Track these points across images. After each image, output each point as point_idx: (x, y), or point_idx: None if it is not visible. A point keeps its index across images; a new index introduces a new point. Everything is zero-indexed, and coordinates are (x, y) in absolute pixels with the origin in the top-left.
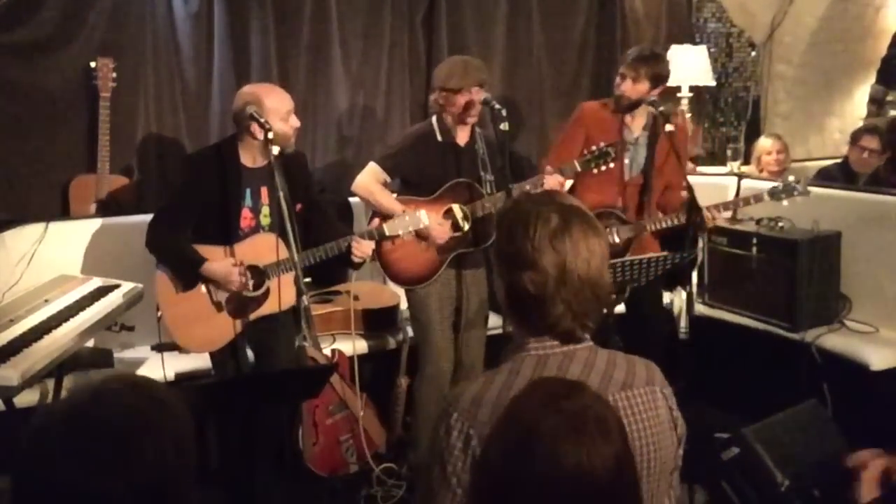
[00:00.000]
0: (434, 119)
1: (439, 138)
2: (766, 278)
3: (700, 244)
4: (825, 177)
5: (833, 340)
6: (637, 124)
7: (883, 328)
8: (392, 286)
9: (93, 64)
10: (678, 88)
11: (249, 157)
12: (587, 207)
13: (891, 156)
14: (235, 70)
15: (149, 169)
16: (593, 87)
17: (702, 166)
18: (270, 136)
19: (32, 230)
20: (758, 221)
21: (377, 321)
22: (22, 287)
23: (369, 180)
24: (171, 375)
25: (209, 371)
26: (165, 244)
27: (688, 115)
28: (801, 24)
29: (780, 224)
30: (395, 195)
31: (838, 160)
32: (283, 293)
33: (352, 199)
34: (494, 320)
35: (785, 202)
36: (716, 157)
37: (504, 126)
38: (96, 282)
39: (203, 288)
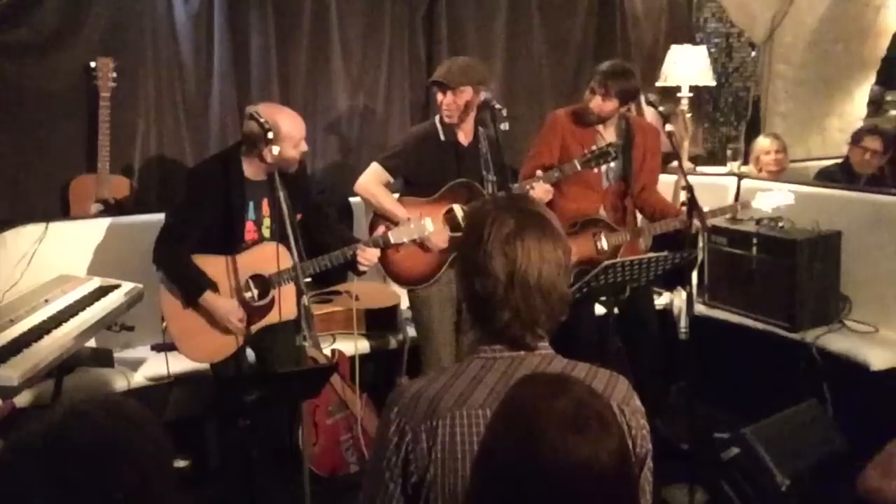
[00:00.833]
0: (437, 119)
1: (442, 138)
2: (766, 278)
3: (700, 244)
4: (826, 177)
5: (833, 340)
6: (610, 132)
7: (883, 328)
8: (392, 286)
9: (93, 64)
10: (678, 88)
11: (252, 171)
12: (570, 216)
13: (893, 156)
14: (235, 70)
15: (149, 169)
16: None
17: (702, 166)
18: (274, 151)
19: (32, 230)
20: (758, 221)
21: (377, 321)
22: (22, 287)
23: (371, 181)
24: (180, 374)
25: (209, 371)
26: (172, 264)
27: (688, 115)
28: (801, 24)
29: (780, 224)
30: (397, 195)
31: (839, 160)
32: (284, 305)
33: (352, 200)
34: None
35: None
36: (716, 157)
37: (504, 126)
38: (96, 282)
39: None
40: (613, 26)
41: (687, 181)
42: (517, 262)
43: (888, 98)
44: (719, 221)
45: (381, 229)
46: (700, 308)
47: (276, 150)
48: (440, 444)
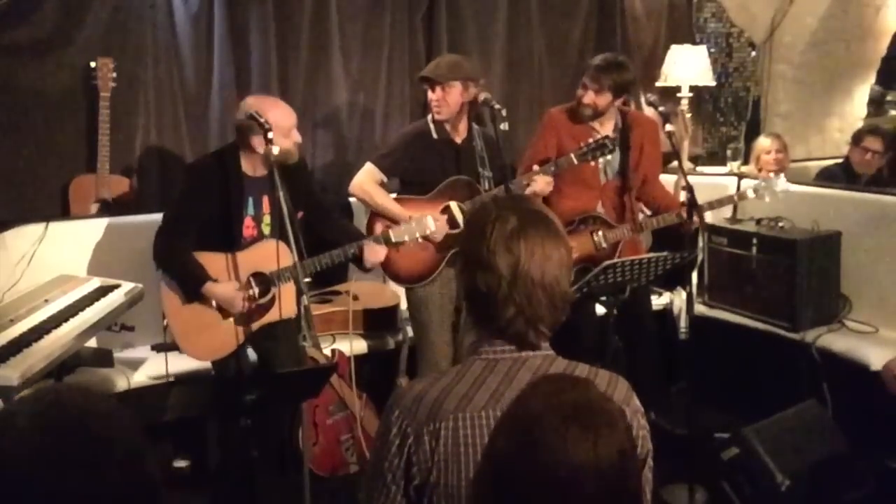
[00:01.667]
0: (429, 117)
1: (435, 136)
2: (766, 278)
3: (700, 244)
4: (826, 177)
5: (833, 340)
6: (606, 128)
7: (883, 328)
8: (392, 286)
9: (93, 64)
10: (678, 88)
11: (250, 166)
12: (568, 215)
13: (893, 157)
14: (235, 70)
15: (149, 169)
16: None
17: (702, 166)
18: (275, 151)
19: (32, 230)
20: (758, 221)
21: (377, 321)
22: (22, 287)
23: (366, 181)
24: (180, 374)
25: (210, 371)
26: (172, 258)
27: (688, 115)
28: (801, 24)
29: (780, 224)
30: (394, 195)
31: (839, 160)
32: (284, 302)
33: (351, 200)
34: None
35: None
36: (716, 157)
37: (504, 126)
38: (96, 282)
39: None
40: (613, 26)
41: (687, 181)
42: (520, 258)
43: (888, 98)
44: (719, 221)
45: (379, 227)
46: (700, 308)
47: (265, 141)
48: (442, 447)
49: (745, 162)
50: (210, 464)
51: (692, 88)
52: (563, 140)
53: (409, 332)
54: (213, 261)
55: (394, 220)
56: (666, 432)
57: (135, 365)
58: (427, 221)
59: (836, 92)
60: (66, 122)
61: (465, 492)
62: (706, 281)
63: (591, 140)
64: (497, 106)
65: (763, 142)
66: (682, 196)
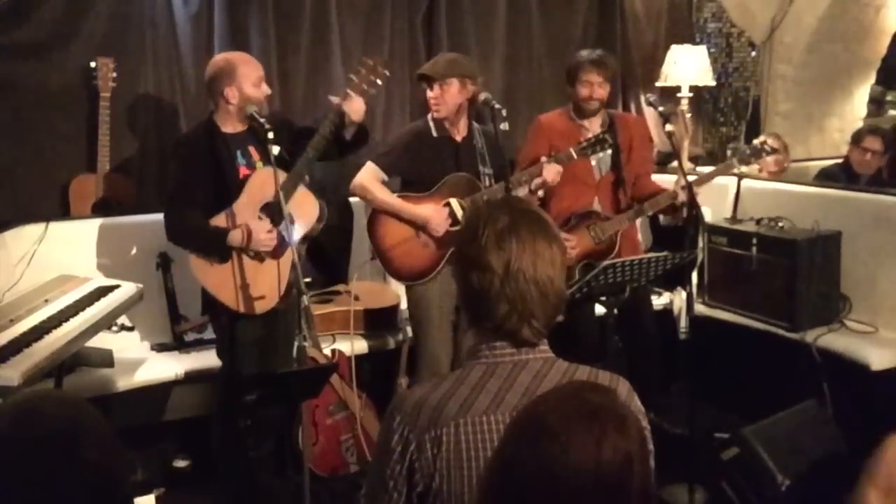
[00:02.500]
0: (429, 116)
1: (434, 134)
2: (766, 278)
3: (700, 244)
4: (826, 177)
5: (833, 340)
6: (595, 126)
7: (883, 328)
8: (393, 285)
9: (93, 64)
10: (678, 88)
11: (229, 125)
12: (564, 215)
13: (892, 157)
14: None
15: (149, 169)
16: None
17: (702, 166)
18: (270, 135)
19: (32, 230)
20: (758, 221)
21: (377, 321)
22: (22, 287)
23: (367, 179)
24: (180, 374)
25: (209, 371)
26: (185, 229)
27: (688, 115)
28: (801, 24)
29: (780, 224)
30: (395, 194)
31: (839, 160)
32: (303, 212)
33: (352, 199)
34: None
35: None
36: (716, 157)
37: (504, 126)
38: (96, 282)
39: (236, 254)
40: (613, 26)
41: (687, 181)
42: (512, 255)
43: (888, 98)
44: (719, 221)
45: (380, 225)
46: (700, 308)
47: (236, 90)
48: (445, 453)
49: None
50: (210, 464)
51: (692, 88)
52: (554, 144)
53: (410, 331)
54: (218, 221)
55: (396, 216)
56: (666, 432)
57: (135, 365)
58: (376, 59)
59: (836, 92)
60: (66, 122)
61: (468, 497)
62: (706, 281)
63: (590, 135)
64: (497, 106)
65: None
66: (682, 196)
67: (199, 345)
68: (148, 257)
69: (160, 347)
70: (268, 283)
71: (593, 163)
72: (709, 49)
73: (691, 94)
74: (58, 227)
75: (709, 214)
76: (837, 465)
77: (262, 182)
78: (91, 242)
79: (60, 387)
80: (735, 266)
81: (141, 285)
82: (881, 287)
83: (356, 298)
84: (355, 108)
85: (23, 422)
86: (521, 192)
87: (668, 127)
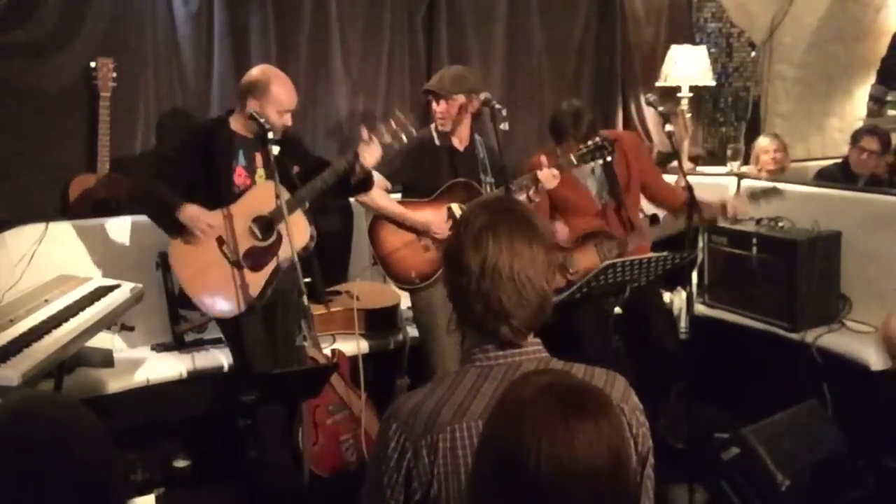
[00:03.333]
0: (432, 125)
1: (437, 143)
2: (766, 278)
3: (700, 244)
4: (825, 177)
5: (833, 340)
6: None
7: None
8: (393, 286)
9: (93, 64)
10: (678, 88)
11: (241, 126)
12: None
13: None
14: (235, 70)
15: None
16: (593, 87)
17: (702, 166)
18: (270, 135)
19: (32, 230)
20: (758, 221)
21: (377, 321)
22: (22, 287)
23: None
24: (180, 374)
25: (209, 371)
26: (145, 190)
27: (688, 115)
28: (801, 24)
29: (780, 224)
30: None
31: (838, 160)
32: (294, 232)
33: (352, 200)
34: None
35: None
36: (716, 157)
37: (504, 126)
38: (96, 282)
39: (219, 252)
40: (613, 26)
41: (687, 181)
42: (488, 254)
43: (889, 98)
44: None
45: (382, 231)
46: (700, 308)
47: (258, 105)
48: (442, 459)
49: (746, 162)
50: (210, 464)
51: (692, 88)
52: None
53: (410, 332)
54: (213, 218)
55: (398, 223)
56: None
57: (135, 365)
58: (408, 116)
59: (836, 92)
60: (66, 122)
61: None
62: (706, 281)
63: (589, 142)
64: (497, 106)
65: (762, 142)
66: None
67: (199, 345)
68: (148, 257)
69: (160, 347)
70: (241, 289)
71: (593, 192)
72: (709, 49)
73: (691, 94)
74: (58, 227)
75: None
76: (837, 465)
77: (262, 195)
78: (91, 242)
79: (60, 387)
80: (735, 266)
81: (141, 285)
82: (881, 287)
83: (357, 298)
84: (371, 154)
85: (15, 424)
86: (520, 197)
87: (668, 127)
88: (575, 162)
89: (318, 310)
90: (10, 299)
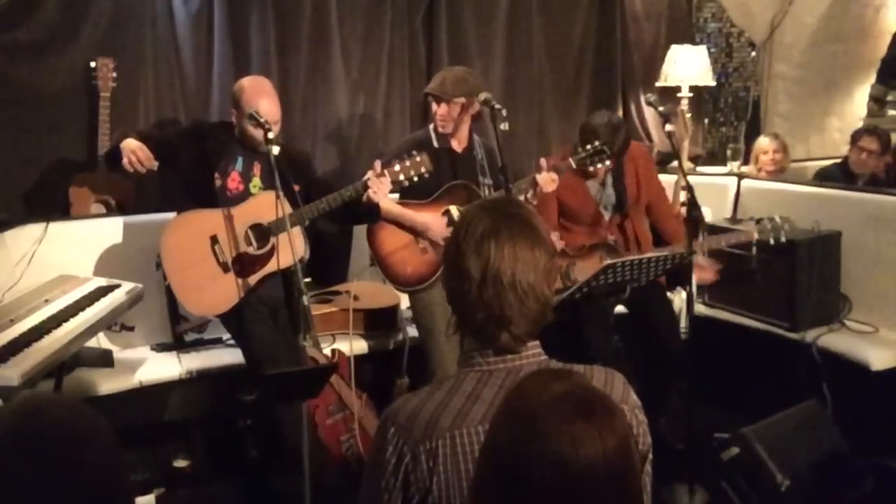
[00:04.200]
0: (431, 127)
1: (436, 145)
2: (766, 278)
3: None
4: (824, 177)
5: (833, 340)
6: (601, 169)
7: (883, 328)
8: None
9: (93, 64)
10: (678, 88)
11: (243, 134)
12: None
13: (892, 162)
14: (235, 70)
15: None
16: (593, 86)
17: (702, 166)
18: (275, 151)
19: (32, 230)
20: (758, 221)
21: (377, 321)
22: (22, 287)
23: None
24: (180, 374)
25: (209, 371)
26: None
27: (688, 115)
28: (801, 24)
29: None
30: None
31: (838, 160)
32: (282, 252)
33: None
34: None
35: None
36: (716, 157)
37: (504, 126)
38: (96, 282)
39: (209, 250)
40: (613, 26)
41: (687, 181)
42: (489, 260)
43: (889, 98)
44: (719, 221)
45: (380, 231)
46: (700, 308)
47: (236, 115)
48: (441, 465)
49: (745, 162)
50: (210, 464)
51: (692, 88)
52: (562, 197)
53: (410, 332)
54: (210, 216)
55: (397, 223)
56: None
57: (135, 365)
58: (424, 158)
59: (836, 92)
60: (66, 122)
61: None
62: None
63: (588, 146)
64: (497, 106)
65: (762, 142)
66: (683, 196)
67: (199, 345)
68: (148, 257)
69: (160, 347)
70: (219, 293)
71: (602, 204)
72: (709, 49)
73: (691, 94)
74: (58, 227)
75: (709, 214)
76: (837, 465)
77: (263, 204)
78: (91, 242)
79: (60, 387)
80: (735, 266)
81: (141, 285)
82: (881, 287)
83: (356, 298)
84: (380, 189)
85: (25, 424)
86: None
87: (668, 127)
88: (574, 166)
89: (318, 310)
90: (10, 299)
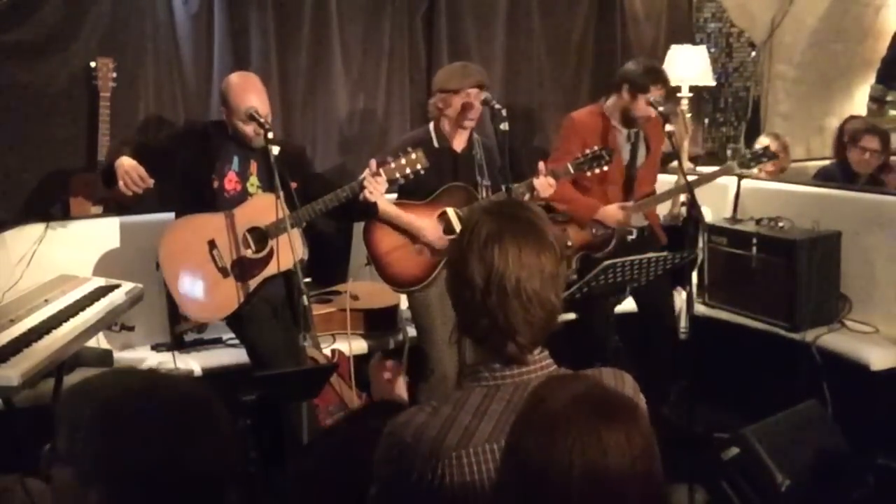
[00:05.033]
0: (431, 125)
1: (436, 145)
2: (766, 278)
3: (700, 244)
4: (824, 177)
5: (833, 340)
6: (624, 131)
7: (883, 328)
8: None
9: (93, 64)
10: (678, 88)
11: (239, 133)
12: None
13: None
14: (235, 70)
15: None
16: (593, 86)
17: (702, 166)
18: (275, 151)
19: (32, 230)
20: (758, 221)
21: (377, 321)
22: (22, 287)
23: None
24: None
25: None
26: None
27: (688, 115)
28: (801, 24)
29: (780, 224)
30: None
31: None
32: (282, 255)
33: None
34: None
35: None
36: (716, 157)
37: (504, 126)
38: (96, 282)
39: (208, 255)
40: (613, 26)
41: (687, 181)
42: (493, 267)
43: (889, 98)
44: (719, 221)
45: (376, 231)
46: (700, 308)
47: (226, 113)
48: (448, 485)
49: None
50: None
51: (692, 88)
52: (587, 142)
53: (410, 332)
54: (207, 220)
55: (393, 225)
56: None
57: (135, 365)
58: (419, 154)
59: (836, 92)
60: (66, 123)
61: None
62: (706, 281)
63: (587, 151)
64: (497, 106)
65: (762, 142)
66: (683, 197)
67: (198, 345)
68: (148, 257)
69: (160, 347)
70: (220, 298)
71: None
72: (709, 49)
73: (691, 94)
74: (58, 227)
75: (709, 214)
76: (837, 465)
77: (261, 207)
78: (91, 242)
79: (60, 387)
80: (735, 266)
81: (141, 285)
82: (881, 287)
83: (356, 298)
84: (376, 188)
85: (159, 387)
86: None
87: (668, 127)
88: (572, 170)
89: (318, 310)
90: (10, 299)
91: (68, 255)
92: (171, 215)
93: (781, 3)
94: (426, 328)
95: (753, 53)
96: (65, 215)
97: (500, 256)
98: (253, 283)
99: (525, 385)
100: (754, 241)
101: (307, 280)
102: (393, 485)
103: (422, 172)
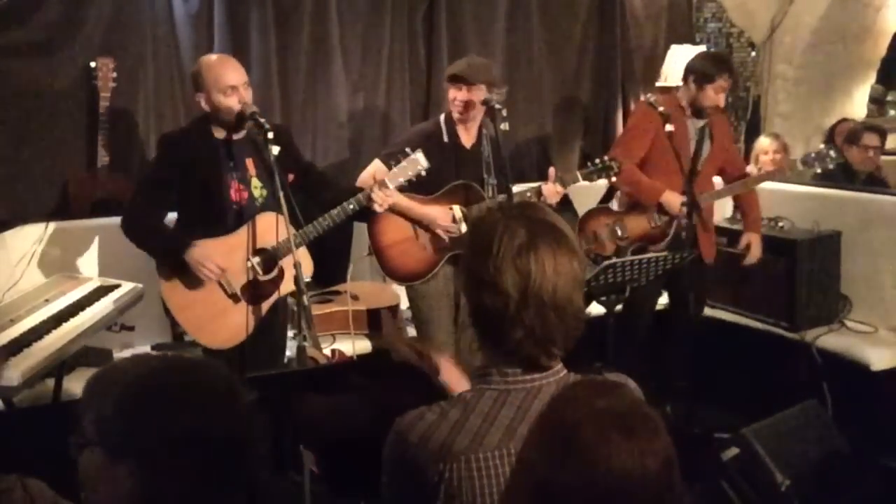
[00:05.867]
0: (442, 118)
1: (445, 139)
2: (766, 278)
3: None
4: (824, 176)
5: (833, 340)
6: (693, 125)
7: (883, 328)
8: (393, 286)
9: (93, 64)
10: (678, 88)
11: (220, 131)
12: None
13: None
14: None
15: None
16: (593, 86)
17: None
18: (274, 151)
19: (32, 230)
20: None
21: (378, 321)
22: (22, 287)
23: (373, 175)
24: None
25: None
26: (142, 226)
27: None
28: (801, 24)
29: (780, 224)
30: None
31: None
32: (290, 274)
33: None
34: None
35: None
36: None
37: (504, 126)
38: (96, 282)
39: (215, 283)
40: (613, 26)
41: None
42: (531, 276)
43: (889, 98)
44: (719, 221)
45: (381, 220)
46: None
47: (205, 98)
48: (456, 489)
49: (746, 162)
50: None
51: None
52: (660, 133)
53: (411, 332)
54: (215, 247)
55: (401, 214)
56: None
57: None
58: (418, 157)
59: (836, 92)
60: (66, 122)
61: None
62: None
63: (597, 161)
64: (497, 106)
65: (763, 142)
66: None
67: (198, 345)
68: (148, 257)
69: (160, 347)
70: (233, 324)
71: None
72: (709, 49)
73: None
74: (58, 227)
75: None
76: (837, 465)
77: (265, 227)
78: (91, 242)
79: (60, 387)
80: (735, 266)
81: (141, 285)
82: (881, 287)
83: (356, 298)
84: (384, 200)
85: (180, 363)
86: None
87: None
88: (580, 179)
89: (318, 310)
90: (10, 299)
91: (68, 255)
92: (172, 216)
93: (781, 3)
94: (423, 319)
95: (753, 53)
96: (65, 215)
97: (537, 265)
98: (265, 307)
99: (536, 392)
100: None
101: (307, 280)
102: (398, 483)
103: (423, 173)
